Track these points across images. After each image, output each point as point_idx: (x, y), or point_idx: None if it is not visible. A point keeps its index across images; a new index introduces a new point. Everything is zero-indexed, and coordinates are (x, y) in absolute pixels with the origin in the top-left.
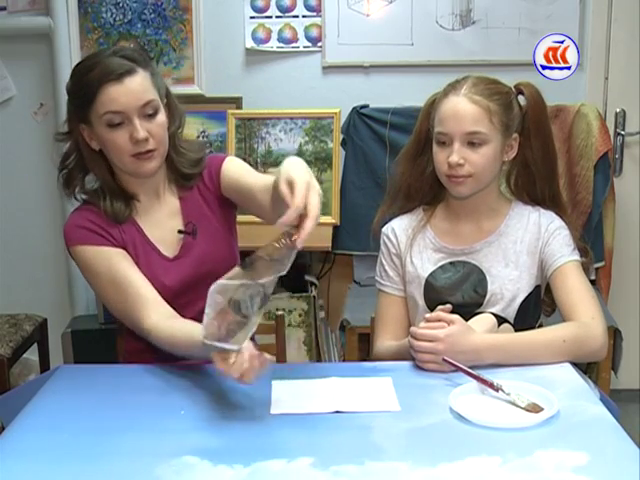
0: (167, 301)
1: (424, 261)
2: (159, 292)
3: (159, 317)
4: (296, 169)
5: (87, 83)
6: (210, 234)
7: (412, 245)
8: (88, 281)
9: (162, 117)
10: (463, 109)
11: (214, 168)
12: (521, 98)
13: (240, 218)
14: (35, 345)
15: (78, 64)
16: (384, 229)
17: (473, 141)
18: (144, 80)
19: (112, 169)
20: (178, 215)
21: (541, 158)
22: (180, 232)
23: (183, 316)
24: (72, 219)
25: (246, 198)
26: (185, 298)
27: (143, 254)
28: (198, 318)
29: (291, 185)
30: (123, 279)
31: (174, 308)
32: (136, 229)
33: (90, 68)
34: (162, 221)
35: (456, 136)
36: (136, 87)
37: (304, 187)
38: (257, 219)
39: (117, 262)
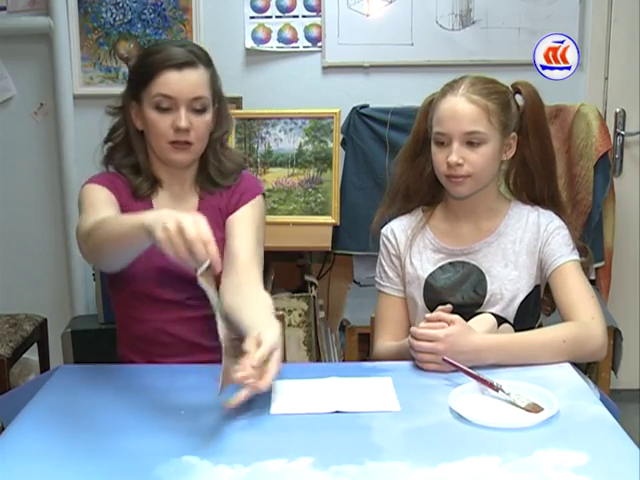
0: (151, 282)
1: (423, 262)
2: (146, 270)
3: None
4: (272, 333)
5: (149, 63)
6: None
7: (411, 246)
8: (79, 212)
9: (208, 117)
10: (462, 109)
11: (245, 198)
12: (519, 97)
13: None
14: (35, 345)
15: (146, 48)
16: (383, 230)
17: (472, 141)
18: (202, 77)
19: (147, 152)
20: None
21: (539, 157)
22: None
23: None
24: (101, 174)
25: (224, 251)
26: (168, 292)
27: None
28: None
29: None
30: (99, 205)
31: (157, 293)
32: (147, 210)
33: (156, 51)
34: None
35: (455, 136)
36: (193, 80)
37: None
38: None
39: (106, 200)
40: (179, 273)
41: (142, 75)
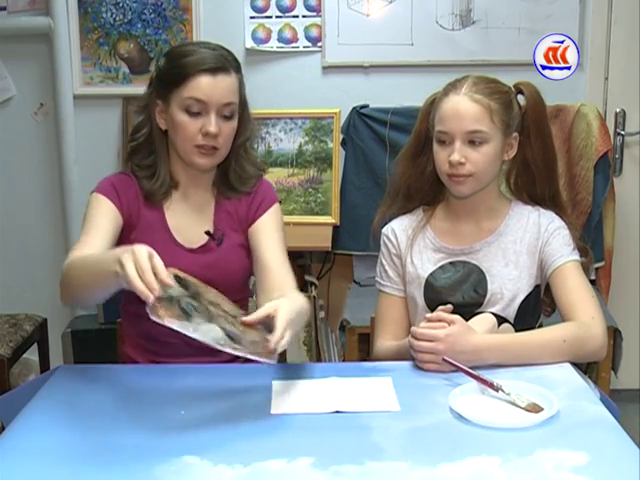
0: None
1: (424, 261)
2: None
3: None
4: (289, 305)
5: (182, 65)
6: (232, 249)
7: (412, 245)
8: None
9: (235, 122)
10: (464, 108)
11: (264, 205)
12: (520, 98)
13: None
14: (35, 345)
15: (175, 47)
16: (384, 229)
17: (474, 140)
18: (233, 83)
19: (169, 152)
20: (209, 218)
21: (541, 157)
22: (207, 234)
23: None
24: (112, 176)
25: (254, 262)
26: None
27: (161, 239)
28: None
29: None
30: (94, 225)
31: None
32: (159, 215)
33: (188, 53)
34: (190, 216)
35: (457, 135)
36: (225, 85)
37: (284, 321)
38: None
39: (104, 223)
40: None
41: (173, 77)
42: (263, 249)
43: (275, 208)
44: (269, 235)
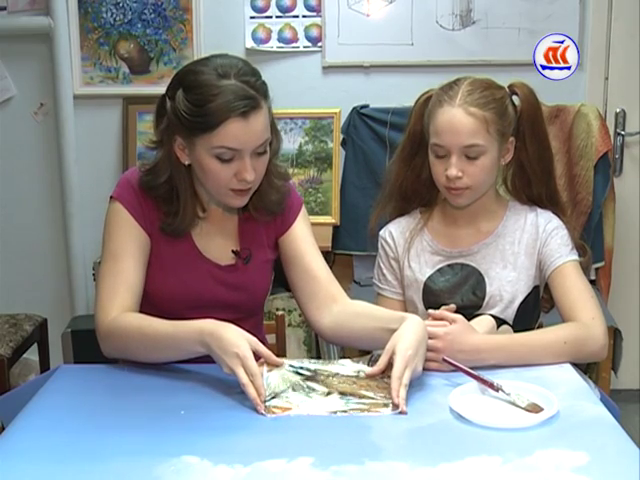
0: (186, 305)
1: (422, 265)
2: (183, 294)
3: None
4: (406, 339)
5: (208, 112)
6: (259, 265)
7: (410, 249)
8: (103, 235)
9: (268, 154)
10: (459, 122)
11: (293, 212)
12: (515, 98)
13: None
14: (35, 345)
15: (192, 81)
16: (381, 232)
17: (470, 153)
18: (265, 117)
19: (193, 184)
20: (234, 236)
21: (537, 159)
22: (234, 253)
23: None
24: (133, 179)
25: (293, 271)
26: (200, 315)
27: (189, 262)
28: None
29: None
30: (122, 263)
31: (189, 315)
32: (188, 242)
33: (212, 97)
34: (216, 235)
35: (453, 149)
36: (259, 126)
37: (402, 364)
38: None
39: (133, 241)
40: (222, 299)
41: (201, 123)
42: (307, 258)
43: (303, 211)
44: (307, 241)
